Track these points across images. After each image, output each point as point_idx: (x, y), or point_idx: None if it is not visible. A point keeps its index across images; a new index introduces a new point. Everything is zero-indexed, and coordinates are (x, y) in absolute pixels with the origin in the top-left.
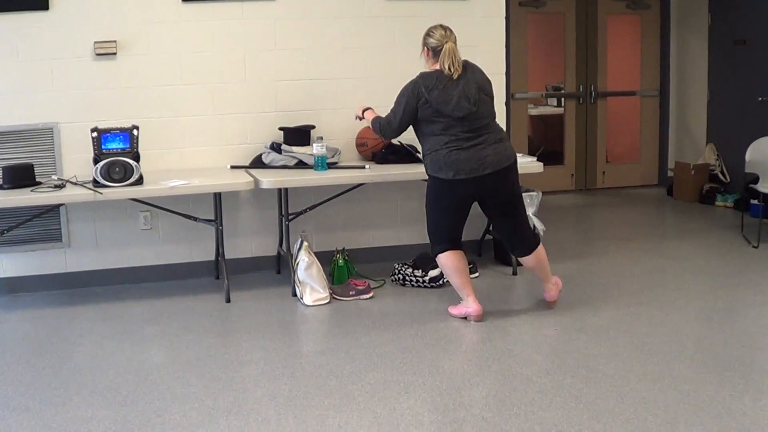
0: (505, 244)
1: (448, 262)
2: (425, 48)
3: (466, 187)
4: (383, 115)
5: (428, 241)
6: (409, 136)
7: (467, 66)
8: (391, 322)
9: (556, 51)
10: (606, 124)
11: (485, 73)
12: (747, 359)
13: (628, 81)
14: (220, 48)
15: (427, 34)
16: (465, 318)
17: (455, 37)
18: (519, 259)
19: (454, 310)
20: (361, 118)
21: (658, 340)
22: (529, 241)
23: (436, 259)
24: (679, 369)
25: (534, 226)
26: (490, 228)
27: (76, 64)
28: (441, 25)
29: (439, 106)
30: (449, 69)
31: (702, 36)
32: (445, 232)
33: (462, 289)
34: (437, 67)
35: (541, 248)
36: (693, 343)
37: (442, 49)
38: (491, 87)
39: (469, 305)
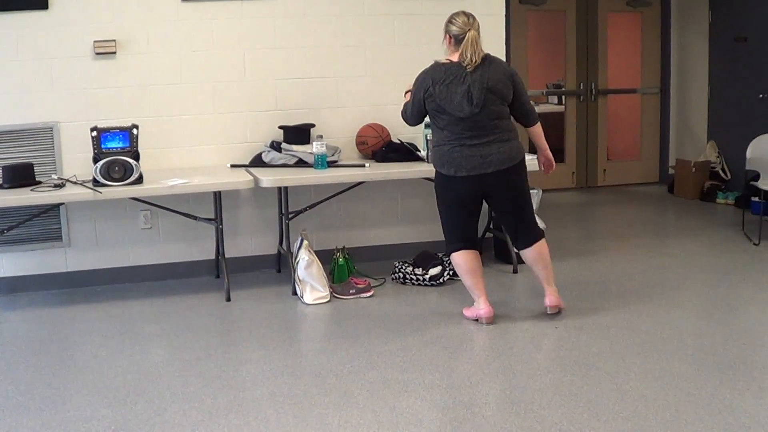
0: (510, 236)
1: (460, 261)
2: (447, 35)
3: (467, 185)
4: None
5: (428, 239)
6: (409, 134)
7: (487, 60)
8: (391, 321)
9: (556, 49)
10: (607, 122)
11: (508, 68)
12: (748, 357)
13: (628, 78)
14: (219, 47)
15: (449, 21)
16: (477, 320)
17: (478, 25)
18: (520, 254)
19: (467, 312)
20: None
21: (659, 337)
22: (531, 234)
23: (450, 258)
24: (680, 367)
25: None
26: (491, 226)
27: (75, 63)
28: (464, 12)
29: (442, 102)
30: (470, 59)
31: (702, 33)
32: (456, 231)
33: (473, 289)
34: (455, 57)
35: (543, 243)
36: (694, 340)
37: (464, 37)
38: (510, 84)
39: (480, 307)
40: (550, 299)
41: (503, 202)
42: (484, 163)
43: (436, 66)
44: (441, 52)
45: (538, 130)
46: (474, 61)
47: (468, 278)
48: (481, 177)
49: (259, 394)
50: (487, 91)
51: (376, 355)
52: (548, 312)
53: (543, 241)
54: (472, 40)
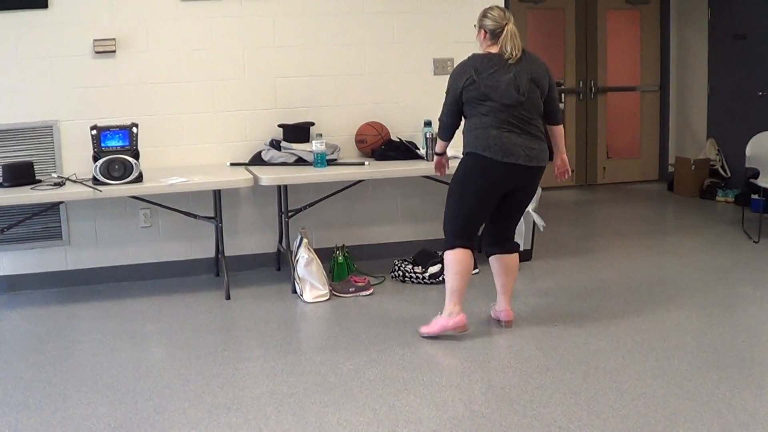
0: (487, 238)
1: (458, 259)
2: (481, 30)
3: (507, 173)
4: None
5: (427, 238)
6: (409, 133)
7: (525, 53)
8: (390, 319)
9: (555, 47)
10: (606, 120)
11: (544, 65)
12: (747, 355)
13: (628, 76)
14: (219, 45)
15: (484, 16)
16: (439, 335)
17: (514, 19)
18: (494, 259)
19: (427, 328)
20: (441, 163)
21: (658, 335)
22: (511, 243)
23: (444, 254)
24: (679, 365)
25: (534, 222)
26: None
27: (75, 62)
28: (497, 6)
29: (486, 89)
30: (511, 52)
31: (702, 31)
32: (465, 223)
33: (455, 294)
34: (493, 50)
35: (517, 256)
36: (693, 338)
37: (502, 31)
38: (547, 81)
39: (455, 315)
40: (509, 314)
41: (519, 198)
42: (528, 155)
43: (477, 56)
44: (440, 50)
45: (561, 130)
46: (515, 54)
47: (457, 280)
48: (521, 169)
49: (258, 392)
50: (531, 82)
51: (376, 353)
52: (504, 327)
53: (517, 255)
54: (512, 33)
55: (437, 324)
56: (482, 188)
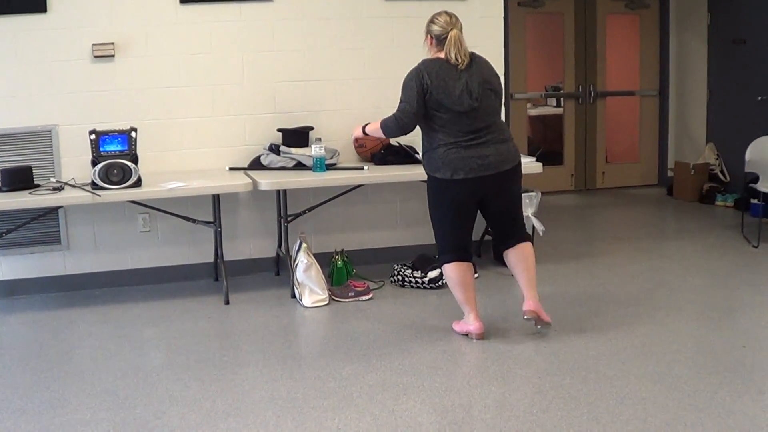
0: (494, 241)
1: (453, 274)
2: (428, 36)
3: (465, 188)
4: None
5: (427, 242)
6: (408, 137)
7: (474, 58)
8: (390, 324)
9: (555, 51)
10: (605, 124)
11: (493, 67)
12: (747, 360)
13: (627, 81)
14: (218, 49)
15: (431, 21)
16: (467, 335)
17: (461, 25)
18: (505, 254)
19: (457, 326)
20: (362, 137)
21: (658, 340)
22: (520, 233)
23: (442, 269)
24: (679, 369)
25: (533, 226)
26: (489, 229)
27: (74, 66)
28: (446, 12)
29: (439, 96)
30: (455, 58)
31: (701, 35)
32: (451, 240)
33: (464, 304)
34: (441, 55)
35: (530, 245)
36: (693, 343)
37: (446, 37)
38: (499, 82)
39: (470, 323)
40: (529, 304)
41: (499, 205)
42: (483, 165)
43: (427, 61)
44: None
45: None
46: (462, 60)
47: (459, 292)
48: (479, 180)
49: (257, 397)
50: (485, 84)
51: (375, 358)
52: (525, 318)
53: (530, 243)
54: (455, 39)
55: (462, 326)
56: (447, 206)
